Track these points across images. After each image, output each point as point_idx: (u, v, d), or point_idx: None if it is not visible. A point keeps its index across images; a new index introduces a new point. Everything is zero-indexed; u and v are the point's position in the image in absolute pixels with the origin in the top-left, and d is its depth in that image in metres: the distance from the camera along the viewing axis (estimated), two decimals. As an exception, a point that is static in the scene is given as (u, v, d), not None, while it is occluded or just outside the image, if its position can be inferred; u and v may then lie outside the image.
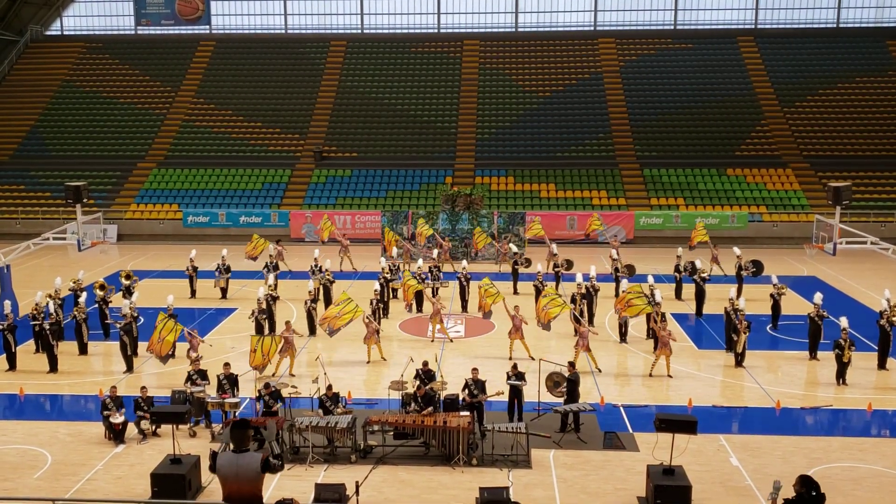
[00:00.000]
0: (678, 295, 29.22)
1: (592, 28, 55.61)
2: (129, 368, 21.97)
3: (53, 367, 22.05)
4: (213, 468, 9.16)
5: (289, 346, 21.65)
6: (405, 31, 56.27)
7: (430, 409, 16.93)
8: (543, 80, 52.17)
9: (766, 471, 15.84)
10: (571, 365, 18.47)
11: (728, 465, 16.19)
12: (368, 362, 22.47)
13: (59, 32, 58.29)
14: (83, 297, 24.32)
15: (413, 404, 17.19)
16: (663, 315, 23.50)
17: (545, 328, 23.56)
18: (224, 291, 29.84)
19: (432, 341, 24.38)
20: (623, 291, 24.28)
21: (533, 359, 21.30)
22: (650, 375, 21.25)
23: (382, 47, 55.42)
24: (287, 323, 22.31)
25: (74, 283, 26.68)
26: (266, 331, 24.05)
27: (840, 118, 48.31)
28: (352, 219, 41.89)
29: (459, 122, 49.97)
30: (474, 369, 18.00)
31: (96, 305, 25.56)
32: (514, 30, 56.19)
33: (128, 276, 27.75)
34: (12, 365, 22.20)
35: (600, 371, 21.57)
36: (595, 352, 22.98)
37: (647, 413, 18.03)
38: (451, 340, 24.49)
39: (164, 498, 14.40)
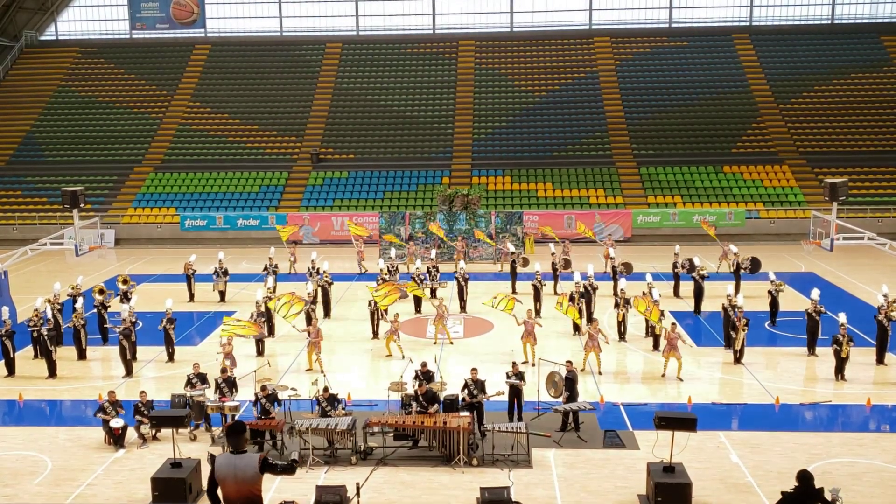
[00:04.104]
0: (676, 292, 29.27)
1: (588, 27, 55.62)
2: (129, 373, 21.95)
3: (52, 372, 22.03)
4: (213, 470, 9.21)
5: (315, 343, 21.94)
6: (400, 32, 56.26)
7: (436, 406, 16.91)
8: (539, 79, 52.20)
9: (766, 467, 15.87)
10: (569, 363, 18.48)
11: (728, 461, 16.21)
12: (389, 355, 22.76)
13: (53, 37, 58.20)
14: (80, 302, 24.29)
15: (415, 404, 17.17)
16: (662, 313, 23.52)
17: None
18: (223, 294, 29.82)
19: (434, 342, 24.36)
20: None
21: (533, 364, 21.28)
22: (663, 376, 21.05)
23: (378, 49, 55.43)
24: (314, 321, 22.70)
25: (73, 288, 26.65)
26: (266, 333, 24.03)
27: (836, 114, 48.37)
28: (350, 220, 41.81)
29: (456, 122, 49.99)
30: (473, 369, 17.99)
31: (94, 310, 25.52)
32: (509, 30, 56.21)
33: (125, 281, 27.71)
34: (11, 371, 22.18)
35: (601, 374, 21.52)
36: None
37: (647, 411, 18.03)
38: (452, 343, 24.46)
39: (164, 502, 14.41)
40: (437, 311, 24.47)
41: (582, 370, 21.16)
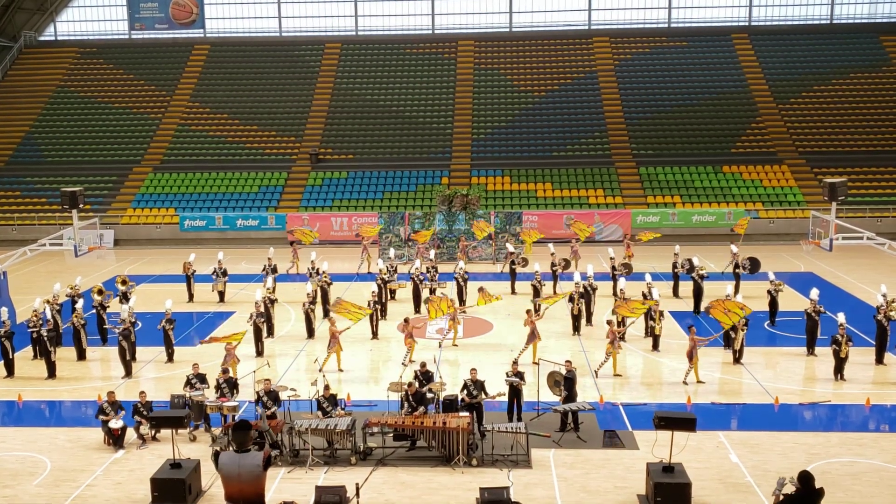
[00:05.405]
0: (676, 292, 29.29)
1: (587, 27, 55.66)
2: (128, 373, 21.94)
3: (52, 373, 22.02)
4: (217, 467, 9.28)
5: (336, 342, 21.83)
6: (400, 32, 56.29)
7: (422, 409, 16.92)
8: (538, 79, 52.22)
9: (765, 467, 15.87)
10: (569, 362, 18.47)
11: (727, 461, 16.21)
12: (405, 363, 22.23)
13: (52, 38, 58.20)
14: (80, 303, 24.28)
15: (406, 405, 17.18)
16: (661, 313, 23.54)
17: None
18: (222, 295, 29.82)
19: (454, 344, 24.35)
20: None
21: (535, 363, 21.27)
22: (685, 383, 20.71)
23: (377, 49, 55.44)
24: (331, 319, 22.64)
25: (71, 288, 26.64)
26: (265, 334, 24.02)
27: (835, 114, 48.41)
28: (348, 220, 41.90)
29: (455, 122, 50.00)
30: (473, 370, 18.00)
31: (94, 311, 25.51)
32: (508, 30, 56.23)
33: (124, 282, 27.71)
34: (10, 372, 22.16)
35: (620, 375, 21.39)
36: (593, 352, 23.06)
37: (647, 411, 18.04)
38: (453, 344, 24.45)
39: (164, 503, 14.41)
40: (454, 312, 24.41)
41: (616, 375, 21.24)
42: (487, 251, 36.71)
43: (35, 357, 23.32)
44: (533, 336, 22.37)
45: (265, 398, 17.11)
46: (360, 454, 16.38)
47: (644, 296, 24.72)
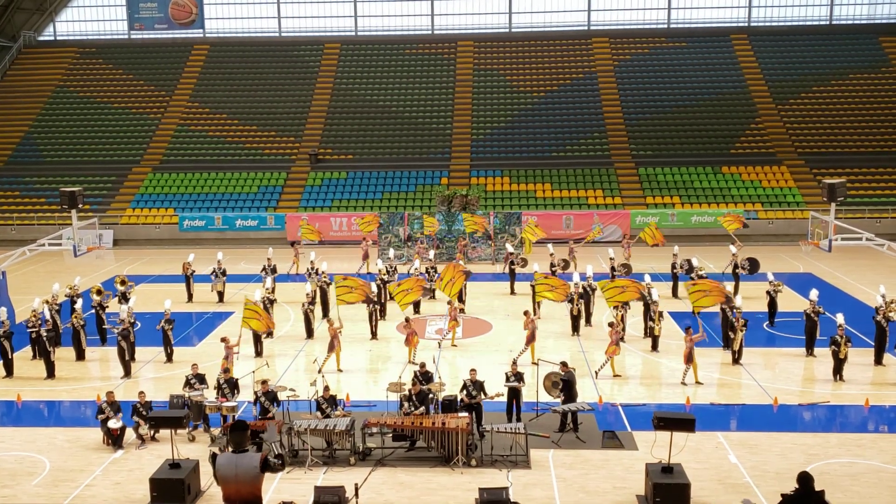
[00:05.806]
0: (675, 293, 29.30)
1: (586, 28, 55.65)
2: (127, 374, 21.93)
3: (51, 373, 22.01)
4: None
5: (336, 343, 21.83)
6: (399, 33, 56.29)
7: (423, 409, 16.94)
8: (538, 80, 52.22)
9: (764, 468, 15.88)
10: (564, 364, 18.46)
11: (726, 462, 16.22)
12: (413, 361, 21.99)
13: (52, 38, 58.17)
14: (79, 303, 24.27)
15: (407, 404, 17.19)
16: (661, 314, 23.55)
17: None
18: (221, 295, 29.81)
19: (453, 345, 24.35)
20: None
21: (535, 363, 21.26)
22: (684, 383, 20.67)
23: (376, 49, 55.44)
24: (329, 320, 22.67)
25: (70, 288, 26.61)
26: (264, 334, 23.99)
27: (834, 115, 48.42)
28: (347, 220, 41.89)
29: (454, 123, 49.99)
30: (472, 370, 18.00)
31: (93, 311, 25.49)
32: (507, 30, 56.23)
33: (123, 282, 27.69)
34: (9, 371, 22.16)
35: (619, 376, 21.40)
36: (592, 352, 23.06)
37: (646, 412, 18.06)
38: (452, 345, 24.45)
39: (163, 503, 14.40)
40: (451, 313, 24.39)
41: (615, 375, 21.25)
42: (487, 251, 36.70)
43: (34, 357, 23.30)
44: (532, 337, 22.38)
45: (262, 399, 17.12)
46: (359, 454, 16.39)
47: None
